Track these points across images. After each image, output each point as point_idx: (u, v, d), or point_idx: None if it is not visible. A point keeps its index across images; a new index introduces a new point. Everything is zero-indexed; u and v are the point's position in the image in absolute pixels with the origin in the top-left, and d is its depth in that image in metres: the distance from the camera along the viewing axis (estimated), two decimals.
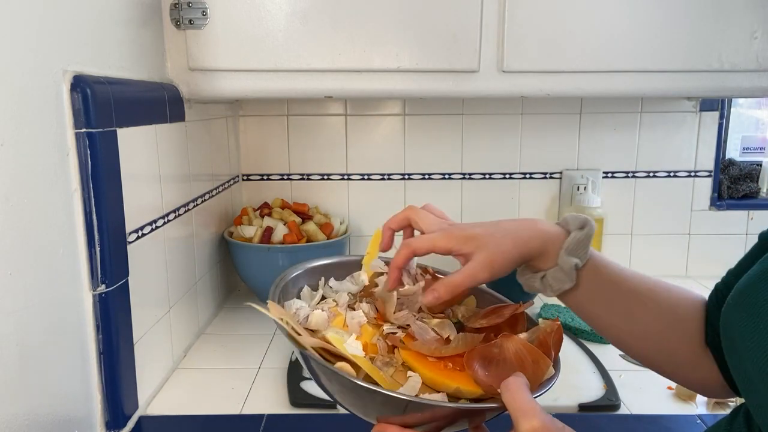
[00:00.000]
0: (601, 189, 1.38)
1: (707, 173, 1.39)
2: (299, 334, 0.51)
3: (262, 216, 1.23)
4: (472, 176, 1.39)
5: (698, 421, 0.80)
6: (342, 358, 0.51)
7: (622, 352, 0.98)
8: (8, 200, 0.55)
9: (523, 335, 0.55)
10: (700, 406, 0.84)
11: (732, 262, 0.57)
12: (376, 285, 0.63)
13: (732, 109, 1.44)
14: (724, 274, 0.58)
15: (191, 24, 0.94)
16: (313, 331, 0.55)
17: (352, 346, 0.51)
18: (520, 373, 0.47)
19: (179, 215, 0.96)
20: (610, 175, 1.39)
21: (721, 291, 0.57)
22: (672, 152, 1.38)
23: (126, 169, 0.75)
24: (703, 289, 0.59)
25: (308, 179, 1.39)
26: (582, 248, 0.58)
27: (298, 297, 0.63)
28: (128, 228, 0.76)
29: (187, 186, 1.01)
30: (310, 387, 0.86)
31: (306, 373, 0.88)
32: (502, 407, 0.45)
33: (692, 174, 1.39)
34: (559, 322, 0.54)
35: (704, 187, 1.39)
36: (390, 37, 0.96)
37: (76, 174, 0.67)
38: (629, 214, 1.41)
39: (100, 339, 0.71)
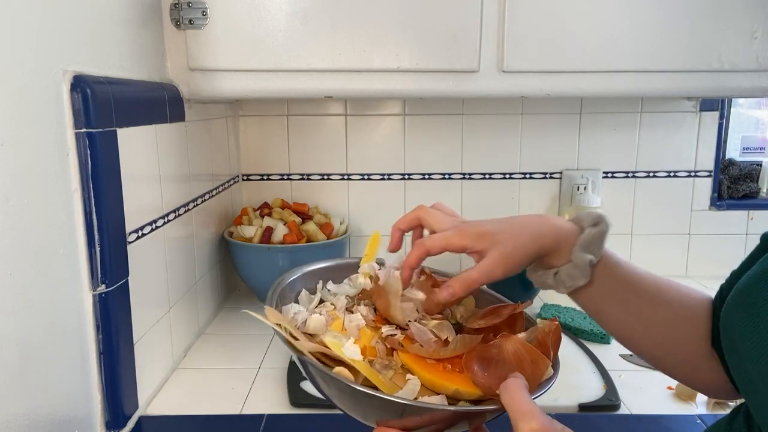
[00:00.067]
0: (601, 189, 1.38)
1: (707, 173, 1.39)
2: (297, 339, 0.51)
3: (262, 216, 1.23)
4: (472, 176, 1.39)
5: (698, 421, 0.80)
6: (341, 362, 0.50)
7: (622, 352, 0.99)
8: (8, 200, 0.55)
9: (521, 335, 0.55)
10: (700, 406, 0.84)
11: (732, 262, 0.57)
12: (377, 286, 0.63)
13: (732, 109, 1.44)
14: (724, 273, 0.58)
15: (191, 24, 0.94)
16: (311, 336, 0.55)
17: (350, 350, 0.51)
18: (518, 374, 0.47)
19: (179, 215, 0.96)
20: (610, 175, 1.39)
21: (725, 292, 0.56)
22: (672, 152, 1.38)
23: (126, 169, 0.75)
24: (703, 289, 0.59)
25: (308, 179, 1.39)
26: (596, 245, 0.58)
27: (296, 301, 0.63)
28: (128, 228, 0.76)
29: (187, 186, 1.01)
30: (310, 387, 0.86)
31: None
32: (501, 408, 0.45)
33: (692, 174, 1.39)
34: (557, 322, 0.54)
35: (704, 187, 1.39)
36: (390, 37, 0.96)
37: (76, 174, 0.67)
38: (629, 214, 1.41)
39: (100, 339, 0.71)
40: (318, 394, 0.82)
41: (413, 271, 0.58)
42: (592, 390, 0.87)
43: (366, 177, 1.38)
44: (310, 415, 0.82)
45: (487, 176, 1.39)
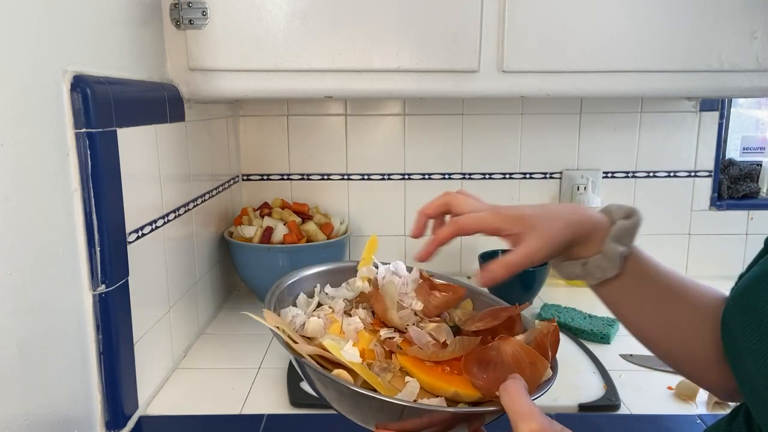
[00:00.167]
0: (601, 189, 1.38)
1: (707, 173, 1.39)
2: (295, 342, 0.51)
3: (262, 216, 1.23)
4: (472, 176, 1.39)
5: (698, 421, 0.80)
6: (339, 365, 0.50)
7: (622, 352, 0.99)
8: (8, 200, 0.55)
9: (520, 337, 0.55)
10: (700, 406, 0.84)
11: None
12: (375, 289, 0.63)
13: (732, 109, 1.44)
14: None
15: (191, 24, 0.94)
16: (309, 339, 0.55)
17: (349, 353, 0.51)
18: (517, 375, 0.47)
19: (179, 215, 0.96)
20: (610, 175, 1.39)
21: None
22: (672, 152, 1.38)
23: (126, 169, 0.75)
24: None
25: (308, 179, 1.39)
26: (628, 237, 0.57)
27: (294, 305, 0.63)
28: (128, 228, 0.76)
29: (187, 186, 1.01)
30: (310, 387, 0.86)
31: None
32: (500, 410, 0.45)
33: (692, 174, 1.39)
34: (555, 323, 0.54)
35: (704, 187, 1.39)
36: (390, 37, 0.96)
37: (76, 174, 0.67)
38: None
39: (100, 339, 0.71)
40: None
41: (439, 247, 0.56)
42: (592, 390, 0.87)
43: (366, 177, 1.38)
44: (310, 415, 0.82)
45: (487, 176, 1.39)
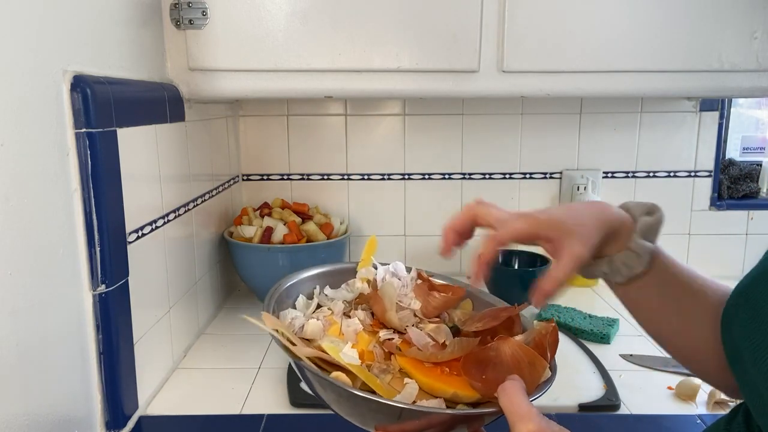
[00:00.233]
0: (601, 189, 1.38)
1: (707, 173, 1.39)
2: (294, 345, 0.51)
3: (262, 216, 1.23)
4: (472, 176, 1.39)
5: (698, 421, 0.80)
6: (338, 367, 0.50)
7: (622, 352, 0.99)
8: (8, 200, 0.56)
9: (519, 338, 0.55)
10: (699, 406, 0.84)
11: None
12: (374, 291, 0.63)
13: (732, 109, 1.44)
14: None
15: (191, 24, 0.94)
16: (308, 341, 0.55)
17: (348, 355, 0.51)
18: (516, 376, 0.47)
19: (179, 215, 0.97)
20: (610, 175, 1.39)
21: None
22: (672, 152, 1.38)
23: (126, 169, 0.75)
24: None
25: (308, 179, 1.39)
26: (653, 233, 0.57)
27: (293, 306, 0.63)
28: (128, 228, 0.77)
29: (187, 186, 1.01)
30: None
31: None
32: (499, 411, 0.45)
33: (692, 174, 1.39)
34: (554, 323, 0.54)
35: (704, 187, 1.39)
36: (390, 37, 0.96)
37: (76, 174, 0.67)
38: None
39: (100, 339, 0.71)
40: None
41: (488, 266, 0.54)
42: (592, 390, 0.87)
43: (366, 177, 1.38)
44: (310, 415, 0.82)
45: (487, 176, 1.39)
